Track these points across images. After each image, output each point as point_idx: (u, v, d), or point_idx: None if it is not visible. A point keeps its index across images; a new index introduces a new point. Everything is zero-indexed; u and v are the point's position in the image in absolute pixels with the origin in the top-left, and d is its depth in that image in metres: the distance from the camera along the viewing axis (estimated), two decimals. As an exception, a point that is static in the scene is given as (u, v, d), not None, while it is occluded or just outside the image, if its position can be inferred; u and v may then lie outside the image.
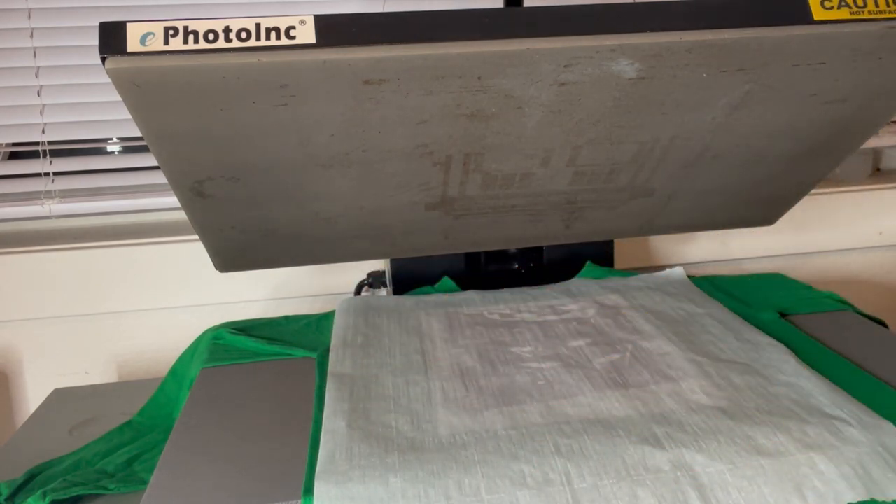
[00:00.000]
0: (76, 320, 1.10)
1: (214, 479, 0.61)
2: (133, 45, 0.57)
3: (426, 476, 0.57)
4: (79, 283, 1.08)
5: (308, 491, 0.57)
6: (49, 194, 1.12)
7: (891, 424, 0.62)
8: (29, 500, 0.67)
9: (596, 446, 0.60)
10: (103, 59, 0.56)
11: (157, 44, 0.57)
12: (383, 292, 1.08)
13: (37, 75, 1.08)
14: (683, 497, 0.55)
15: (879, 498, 0.56)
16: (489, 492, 0.56)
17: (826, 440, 0.60)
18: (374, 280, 1.08)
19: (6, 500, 0.69)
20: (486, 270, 1.03)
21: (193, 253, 1.09)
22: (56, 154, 1.11)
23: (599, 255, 1.05)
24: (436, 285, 1.01)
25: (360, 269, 1.10)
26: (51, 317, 1.09)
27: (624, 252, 1.19)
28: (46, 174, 1.11)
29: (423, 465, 0.59)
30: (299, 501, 0.57)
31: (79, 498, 0.69)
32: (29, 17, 1.07)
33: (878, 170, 1.42)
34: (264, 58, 0.58)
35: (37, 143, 1.10)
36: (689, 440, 0.61)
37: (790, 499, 0.56)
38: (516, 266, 1.04)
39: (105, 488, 0.70)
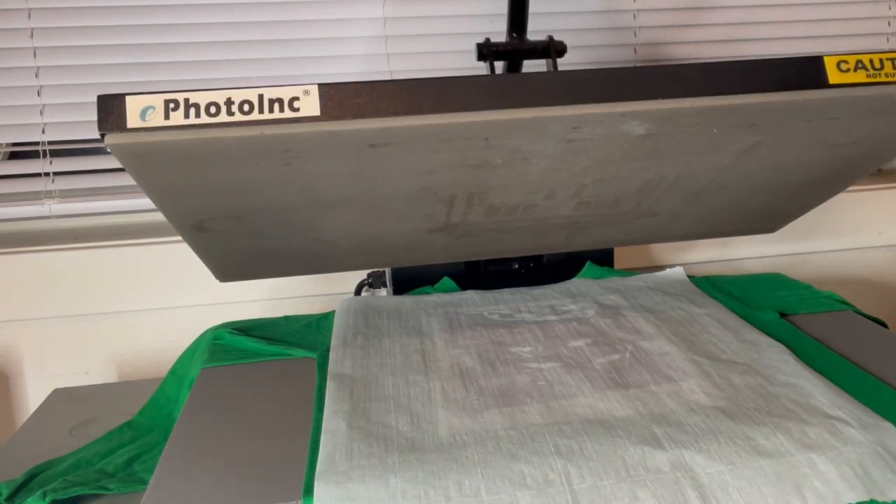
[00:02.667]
0: (76, 320, 1.10)
1: (214, 479, 0.61)
2: (133, 120, 0.55)
3: (426, 476, 0.57)
4: (79, 283, 1.08)
5: (308, 491, 0.57)
6: (49, 194, 1.12)
7: (891, 425, 0.62)
8: (29, 500, 0.67)
9: (596, 447, 0.60)
10: (102, 136, 0.55)
11: (157, 118, 0.56)
12: (383, 292, 1.08)
13: (37, 75, 1.08)
14: (683, 497, 0.55)
15: (879, 498, 0.56)
16: (489, 492, 0.56)
17: (826, 441, 0.60)
18: (374, 280, 1.08)
19: (6, 500, 0.68)
20: (486, 271, 1.03)
21: (193, 253, 1.09)
22: (56, 154, 1.11)
23: (599, 256, 1.05)
24: (436, 285, 1.01)
25: (360, 270, 1.10)
26: (51, 317, 1.09)
27: (624, 253, 1.19)
28: (46, 174, 1.11)
29: (423, 466, 0.59)
30: (299, 501, 0.57)
31: (79, 498, 0.69)
32: (29, 17, 1.07)
33: (879, 170, 1.41)
34: (267, 130, 0.57)
35: (37, 143, 1.10)
36: (688, 440, 0.61)
37: (790, 499, 0.56)
38: (516, 266, 1.04)
39: (105, 488, 0.70)
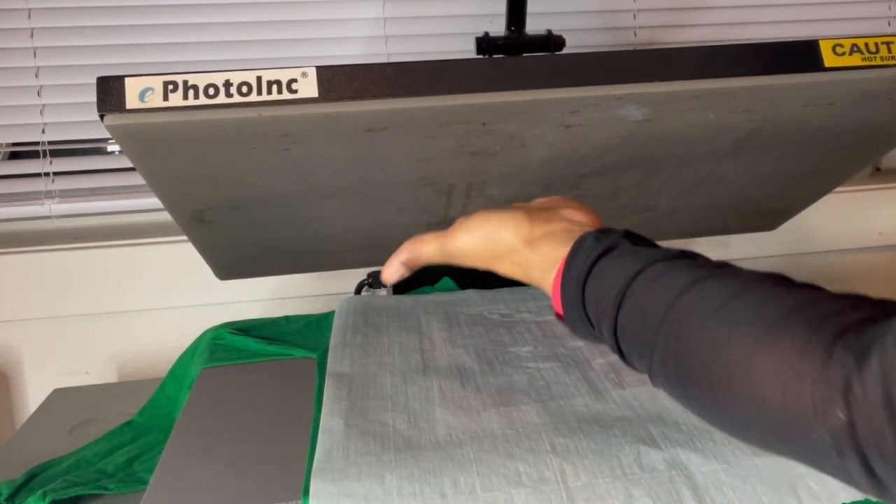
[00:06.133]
0: (76, 320, 1.10)
1: (214, 480, 0.61)
2: (132, 101, 0.56)
3: (422, 474, 0.58)
4: (79, 283, 1.08)
5: (308, 491, 0.57)
6: (49, 194, 1.12)
7: (887, 424, 0.62)
8: (29, 500, 0.67)
9: (591, 445, 0.60)
10: (101, 116, 0.56)
11: (156, 100, 0.56)
12: (383, 292, 1.08)
13: (37, 75, 1.08)
14: (678, 496, 0.55)
15: (874, 498, 0.56)
16: (484, 490, 0.56)
17: (822, 439, 0.60)
18: (375, 280, 1.08)
19: (6, 500, 0.69)
20: (486, 270, 1.03)
21: (193, 253, 1.09)
22: (56, 154, 1.12)
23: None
24: (436, 285, 1.01)
25: (360, 270, 1.10)
26: (51, 317, 1.09)
27: (623, 252, 1.19)
28: (46, 174, 1.12)
29: (419, 463, 0.59)
30: (299, 502, 0.57)
31: (79, 498, 0.69)
32: (29, 17, 1.07)
33: (878, 170, 1.41)
34: (266, 112, 0.57)
35: (37, 143, 1.11)
36: (684, 439, 0.61)
37: (784, 498, 0.56)
38: (516, 266, 1.04)
39: (105, 488, 0.70)
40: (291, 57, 1.14)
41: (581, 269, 0.53)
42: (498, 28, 0.92)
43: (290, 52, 1.14)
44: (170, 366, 0.90)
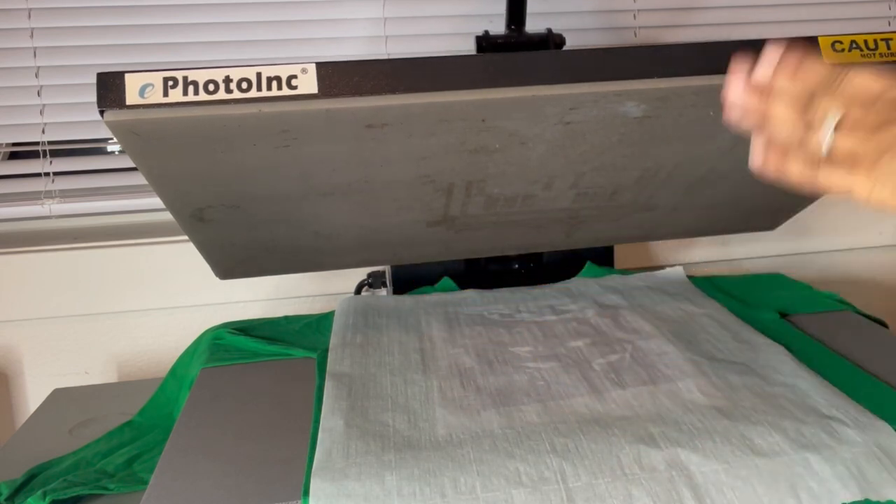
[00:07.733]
0: (76, 320, 1.10)
1: (214, 479, 0.61)
2: (132, 97, 0.56)
3: (422, 474, 0.58)
4: (79, 283, 1.08)
5: (308, 491, 0.57)
6: (49, 194, 1.12)
7: (886, 424, 0.62)
8: (29, 500, 0.67)
9: (592, 445, 0.60)
10: (101, 112, 0.56)
11: (156, 95, 0.56)
12: (383, 292, 1.08)
13: (37, 75, 1.08)
14: (678, 496, 0.55)
15: (874, 498, 0.56)
16: (484, 490, 0.56)
17: (821, 440, 0.60)
18: (375, 280, 1.08)
19: (6, 500, 0.69)
20: (486, 270, 1.03)
21: (193, 253, 1.09)
22: (56, 154, 1.12)
23: (599, 256, 1.05)
24: (436, 285, 1.01)
25: (360, 270, 1.10)
26: (51, 317, 1.09)
27: (624, 253, 1.19)
28: (46, 174, 1.12)
29: (419, 463, 0.59)
30: (299, 501, 0.57)
31: (79, 498, 0.69)
32: (29, 17, 1.07)
33: (878, 169, 1.41)
34: (266, 108, 0.57)
35: (37, 143, 1.10)
36: (684, 440, 0.61)
37: (784, 499, 0.56)
38: (516, 266, 1.04)
39: (105, 488, 0.70)
40: (291, 57, 1.13)
41: None
42: (498, 27, 0.92)
43: (290, 52, 1.14)
44: (170, 366, 0.90)
